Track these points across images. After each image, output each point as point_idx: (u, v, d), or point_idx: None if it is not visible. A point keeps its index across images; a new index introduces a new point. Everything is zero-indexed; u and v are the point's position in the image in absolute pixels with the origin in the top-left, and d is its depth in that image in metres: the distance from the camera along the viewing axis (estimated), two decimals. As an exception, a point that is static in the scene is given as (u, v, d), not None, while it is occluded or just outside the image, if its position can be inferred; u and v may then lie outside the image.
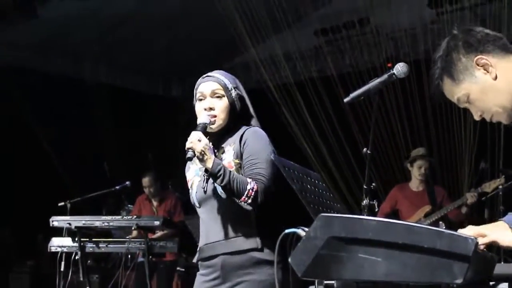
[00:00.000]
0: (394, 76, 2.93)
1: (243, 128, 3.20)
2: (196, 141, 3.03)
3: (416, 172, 6.76)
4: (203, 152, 3.02)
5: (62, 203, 6.70)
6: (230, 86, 3.22)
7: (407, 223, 1.88)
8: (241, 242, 3.08)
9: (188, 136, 3.07)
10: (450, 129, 7.64)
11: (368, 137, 3.14)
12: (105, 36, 8.35)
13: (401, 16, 8.03)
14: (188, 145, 3.04)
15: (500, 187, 6.15)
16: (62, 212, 6.50)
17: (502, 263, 5.56)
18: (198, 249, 3.28)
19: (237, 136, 3.17)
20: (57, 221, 5.77)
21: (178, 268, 7.08)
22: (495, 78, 2.26)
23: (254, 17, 8.15)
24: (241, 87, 3.31)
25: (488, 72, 2.26)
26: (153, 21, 8.24)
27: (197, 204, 3.23)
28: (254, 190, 2.99)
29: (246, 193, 2.99)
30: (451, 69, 2.30)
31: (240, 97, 3.25)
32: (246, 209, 3.08)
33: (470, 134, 7.43)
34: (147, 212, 7.67)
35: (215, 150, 3.18)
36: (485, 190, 6.32)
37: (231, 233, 3.11)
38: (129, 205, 8.01)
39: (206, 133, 3.11)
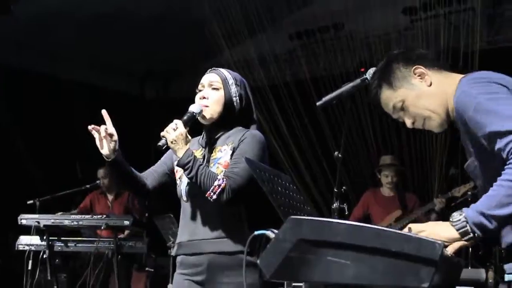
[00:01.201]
0: (366, 80, 2.94)
1: (244, 130, 3.16)
2: (171, 129, 3.01)
3: (384, 180, 6.82)
4: (175, 141, 3.00)
5: (31, 201, 6.64)
6: (230, 81, 3.20)
7: (375, 227, 1.90)
8: (230, 244, 3.04)
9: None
10: (422, 135, 7.70)
11: (340, 141, 3.16)
12: (83, 34, 8.29)
13: (376, 21, 8.06)
14: (162, 132, 3.03)
15: (469, 192, 6.20)
16: (31, 210, 6.44)
17: (470, 268, 5.63)
18: (177, 243, 3.22)
19: (236, 136, 3.13)
20: (25, 219, 5.73)
21: (147, 269, 7.04)
22: (430, 85, 2.44)
23: (229, 20, 8.15)
24: (247, 88, 3.28)
25: (423, 79, 2.45)
26: (132, 22, 8.20)
27: (184, 198, 3.18)
28: (220, 186, 2.95)
29: (212, 188, 2.95)
30: (390, 77, 2.48)
31: (241, 97, 3.21)
32: (238, 211, 3.07)
33: (441, 140, 7.50)
34: (102, 207, 7.60)
35: (207, 144, 3.18)
36: (454, 194, 6.38)
37: (220, 233, 3.06)
38: (81, 204, 7.92)
39: (200, 124, 3.12)
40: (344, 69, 8.06)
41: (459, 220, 2.13)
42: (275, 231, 2.08)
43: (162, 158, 3.35)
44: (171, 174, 3.32)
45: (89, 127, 3.12)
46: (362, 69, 3.00)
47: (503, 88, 2.25)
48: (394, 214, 6.65)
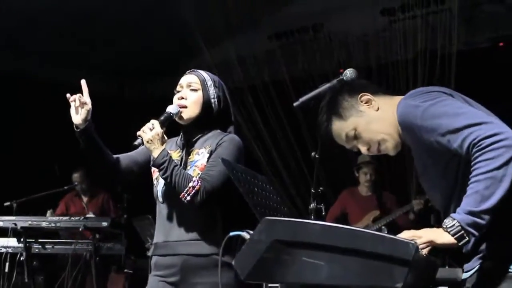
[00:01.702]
0: (343, 81, 2.96)
1: (223, 134, 3.17)
2: (148, 129, 3.02)
3: (363, 178, 6.84)
4: (151, 141, 3.00)
5: (8, 203, 6.59)
6: (209, 82, 3.21)
7: (349, 227, 1.90)
8: (204, 246, 3.04)
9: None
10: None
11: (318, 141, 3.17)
12: (60, 33, 8.24)
13: (354, 22, 8.09)
14: (139, 132, 3.03)
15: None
16: (8, 212, 6.39)
17: (447, 267, 5.66)
18: (153, 243, 3.22)
19: (214, 140, 3.13)
20: (2, 221, 5.69)
21: (126, 271, 7.01)
22: (377, 109, 2.49)
23: (209, 21, 8.14)
24: (225, 90, 3.28)
25: (371, 105, 2.49)
26: (110, 22, 8.16)
27: (160, 199, 3.17)
28: (195, 188, 2.95)
29: (186, 189, 2.96)
30: (338, 109, 2.51)
31: (219, 98, 3.21)
32: (213, 213, 3.06)
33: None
34: (77, 209, 7.59)
35: (185, 145, 3.19)
36: None
37: (195, 235, 3.06)
38: (57, 207, 7.88)
39: (178, 125, 3.13)
40: (322, 70, 8.07)
41: (453, 225, 2.12)
42: (250, 232, 2.08)
43: (139, 149, 3.29)
44: (140, 166, 3.32)
45: (67, 96, 3.15)
46: (341, 70, 3.01)
47: (442, 93, 2.30)
48: (371, 214, 6.68)
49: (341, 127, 2.51)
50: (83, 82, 3.21)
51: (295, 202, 8.16)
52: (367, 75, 7.91)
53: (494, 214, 2.14)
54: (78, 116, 3.12)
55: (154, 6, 7.99)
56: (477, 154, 2.11)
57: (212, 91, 3.20)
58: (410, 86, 7.56)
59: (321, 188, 3.12)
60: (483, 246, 2.31)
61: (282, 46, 8.83)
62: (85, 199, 7.74)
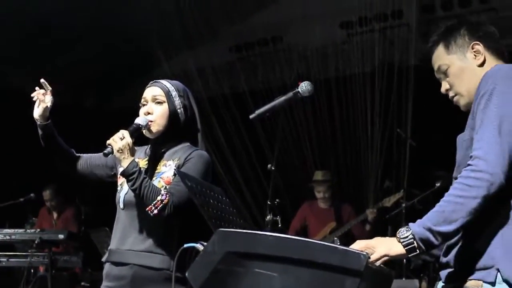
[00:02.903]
0: (299, 94, 2.98)
1: (192, 148, 3.14)
2: (118, 138, 3.00)
3: (317, 195, 6.90)
4: (121, 151, 2.98)
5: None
6: (174, 93, 3.18)
7: (302, 238, 1.91)
8: (156, 259, 3.02)
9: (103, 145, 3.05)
10: (358, 148, 7.81)
11: (278, 154, 3.18)
12: (18, 43, 8.14)
13: (313, 35, 8.16)
14: (109, 140, 3.01)
15: (402, 202, 6.31)
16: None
17: (404, 279, 5.72)
18: (108, 249, 3.20)
19: (183, 154, 3.11)
20: (-44, 233, 5.59)
21: (83, 284, 6.93)
22: (480, 65, 2.46)
23: (168, 32, 8.12)
24: (191, 98, 3.26)
25: (477, 57, 2.46)
26: (69, 32, 8.09)
27: (121, 205, 3.15)
28: (163, 202, 2.93)
29: (154, 202, 2.94)
30: (450, 40, 2.49)
31: (186, 107, 3.19)
32: (171, 228, 3.04)
33: (376, 154, 7.61)
34: (47, 224, 7.51)
35: (152, 157, 3.18)
36: (385, 205, 6.48)
37: (149, 246, 3.04)
38: (33, 218, 7.80)
39: (143, 138, 3.14)
40: (281, 82, 8.11)
41: (407, 237, 2.15)
42: (204, 243, 2.08)
43: (107, 158, 3.25)
44: (97, 173, 3.37)
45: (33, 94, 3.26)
46: (299, 83, 3.03)
47: None
48: (329, 225, 6.72)
49: (440, 56, 2.52)
50: (42, 81, 3.26)
51: (254, 214, 8.15)
52: (326, 87, 7.98)
53: (448, 240, 2.18)
54: (36, 111, 3.23)
55: (113, 17, 7.95)
56: (464, 172, 2.15)
57: (177, 102, 3.18)
58: (368, 98, 7.64)
59: (277, 200, 3.12)
60: (450, 256, 2.34)
61: (241, 58, 8.86)
62: (54, 215, 7.67)
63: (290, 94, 2.97)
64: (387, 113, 7.45)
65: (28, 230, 5.94)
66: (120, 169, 3.05)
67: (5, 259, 5.90)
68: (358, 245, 2.17)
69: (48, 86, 3.26)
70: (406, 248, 2.14)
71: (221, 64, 8.92)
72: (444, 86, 2.54)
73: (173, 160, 3.12)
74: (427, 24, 7.86)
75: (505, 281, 2.17)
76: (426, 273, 5.59)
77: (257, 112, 2.99)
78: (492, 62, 2.47)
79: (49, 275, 5.69)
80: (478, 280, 2.21)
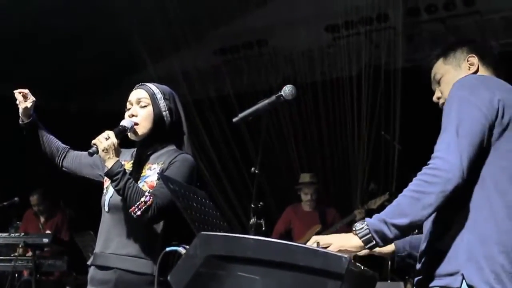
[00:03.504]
0: (282, 97, 2.97)
1: (177, 152, 3.13)
2: (103, 138, 2.99)
3: (303, 197, 6.91)
4: (106, 150, 2.97)
5: None
6: (159, 95, 3.17)
7: (283, 241, 1.90)
8: (140, 263, 3.01)
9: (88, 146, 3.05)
10: (345, 151, 7.83)
11: (261, 156, 3.18)
12: (2, 49, 8.10)
13: (299, 38, 8.17)
14: (94, 140, 3.01)
15: (387, 205, 6.31)
16: None
17: (389, 281, 5.73)
18: (93, 252, 3.19)
19: (168, 158, 3.10)
20: None
21: (67, 287, 6.91)
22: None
23: (153, 35, 8.11)
24: (177, 102, 3.24)
25: (471, 68, 2.55)
26: (54, 36, 8.06)
27: (106, 208, 3.14)
28: (147, 203, 2.92)
29: (137, 204, 2.93)
30: (449, 53, 2.60)
31: (171, 110, 3.18)
32: (155, 232, 3.03)
33: (363, 157, 7.63)
34: (33, 228, 7.46)
35: (138, 159, 3.17)
36: (370, 207, 6.51)
37: (133, 251, 3.03)
38: (17, 222, 7.76)
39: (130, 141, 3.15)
40: (267, 85, 8.12)
41: (362, 228, 2.19)
42: (187, 247, 2.07)
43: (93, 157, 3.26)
44: (82, 170, 3.41)
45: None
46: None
47: (488, 97, 2.29)
48: (313, 229, 6.73)
49: (438, 67, 2.62)
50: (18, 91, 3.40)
51: (239, 217, 8.16)
52: (312, 90, 8.00)
53: (404, 234, 2.20)
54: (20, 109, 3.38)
55: (98, 20, 7.93)
56: (422, 170, 2.18)
57: (162, 104, 3.17)
58: (354, 102, 7.65)
59: (261, 203, 3.12)
60: (421, 263, 2.37)
61: (227, 61, 8.86)
62: (42, 219, 7.63)
63: (273, 97, 2.96)
64: (374, 116, 7.47)
65: (12, 234, 5.91)
66: (105, 169, 3.05)
67: (-12, 264, 5.86)
68: (311, 242, 2.22)
69: (26, 91, 3.39)
70: (362, 239, 2.18)
71: (207, 67, 8.92)
72: (436, 94, 2.62)
73: (157, 164, 3.11)
74: (412, 27, 7.90)
75: (470, 286, 2.19)
76: (411, 276, 5.61)
77: (241, 115, 2.98)
78: (483, 72, 2.54)
79: (34, 279, 5.66)
80: (444, 286, 2.23)
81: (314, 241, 2.21)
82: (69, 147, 3.49)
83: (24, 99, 3.33)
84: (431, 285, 2.27)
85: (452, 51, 2.60)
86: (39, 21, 7.71)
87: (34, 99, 3.37)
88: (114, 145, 2.99)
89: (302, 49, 8.36)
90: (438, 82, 2.59)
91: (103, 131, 3.10)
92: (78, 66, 8.83)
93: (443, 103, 2.53)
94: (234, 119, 2.98)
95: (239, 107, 7.69)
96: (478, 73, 2.53)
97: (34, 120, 3.41)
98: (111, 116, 3.21)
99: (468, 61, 2.55)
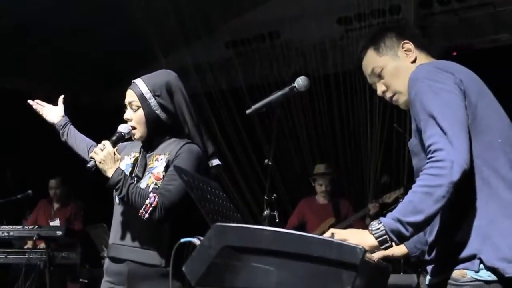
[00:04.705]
0: (295, 89, 2.98)
1: (183, 141, 3.12)
2: (99, 150, 3.01)
3: (318, 189, 6.90)
4: (103, 161, 2.99)
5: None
6: (148, 95, 3.11)
7: (298, 232, 1.90)
8: (148, 255, 3.03)
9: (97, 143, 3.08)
10: (358, 144, 7.81)
11: (275, 149, 3.18)
12: (12, 43, 8.12)
13: (311, 31, 8.15)
14: (91, 154, 3.03)
15: (401, 198, 6.31)
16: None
17: (402, 273, 5.72)
18: (108, 244, 3.24)
19: (174, 148, 3.10)
20: (-47, 230, 5.58)
21: (81, 280, 6.93)
22: (412, 62, 2.52)
23: (165, 28, 8.11)
24: (173, 92, 3.17)
25: (408, 55, 2.53)
26: (65, 29, 8.07)
27: (117, 201, 3.17)
28: (152, 205, 2.95)
29: (143, 207, 2.96)
30: (380, 42, 2.56)
31: (163, 106, 3.13)
32: (162, 224, 3.04)
33: (376, 149, 7.61)
34: (45, 215, 7.49)
35: (146, 152, 3.18)
36: (385, 201, 6.49)
37: (142, 242, 3.06)
38: (31, 215, 7.81)
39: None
40: (279, 78, 8.11)
41: (378, 228, 2.16)
42: (201, 238, 2.07)
43: None
44: None
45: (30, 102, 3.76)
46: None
47: (450, 76, 2.29)
48: (327, 222, 6.73)
49: (372, 60, 2.57)
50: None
51: (252, 209, 8.16)
52: (324, 83, 7.99)
53: (419, 230, 2.20)
54: (50, 116, 3.74)
55: (109, 13, 7.93)
56: (427, 164, 2.16)
57: (153, 103, 3.12)
58: (366, 94, 7.63)
59: (274, 195, 3.12)
60: (433, 254, 2.36)
61: (239, 54, 8.85)
62: (55, 206, 7.67)
63: (287, 89, 2.97)
64: (386, 108, 7.45)
65: (26, 227, 5.94)
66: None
67: (3, 256, 5.89)
68: (328, 234, 2.20)
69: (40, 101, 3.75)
70: (378, 240, 2.16)
71: (219, 60, 8.91)
72: (380, 88, 2.58)
73: (164, 154, 3.12)
74: (424, 19, 7.86)
75: (489, 268, 2.20)
76: (424, 268, 5.58)
77: (254, 107, 2.99)
78: (423, 58, 2.53)
79: (47, 272, 5.68)
80: (462, 269, 2.23)
81: (330, 234, 2.21)
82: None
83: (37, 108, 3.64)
84: (448, 271, 2.26)
85: (381, 40, 2.56)
86: (50, 14, 7.73)
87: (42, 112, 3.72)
88: (110, 154, 3.01)
89: (314, 42, 8.33)
90: (379, 76, 2.55)
91: (116, 124, 3.12)
92: (89, 59, 8.85)
93: (391, 97, 2.56)
94: (248, 111, 2.99)
95: (251, 99, 7.70)
96: (418, 58, 2.52)
97: (60, 124, 3.69)
98: (122, 109, 3.20)
99: (403, 47, 2.53)
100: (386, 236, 2.15)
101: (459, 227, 2.27)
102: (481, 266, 2.20)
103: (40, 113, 3.72)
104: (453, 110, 2.22)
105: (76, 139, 3.62)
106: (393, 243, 2.16)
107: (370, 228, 2.18)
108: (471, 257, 2.22)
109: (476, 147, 2.26)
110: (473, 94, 2.30)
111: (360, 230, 2.24)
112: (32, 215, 7.63)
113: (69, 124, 3.69)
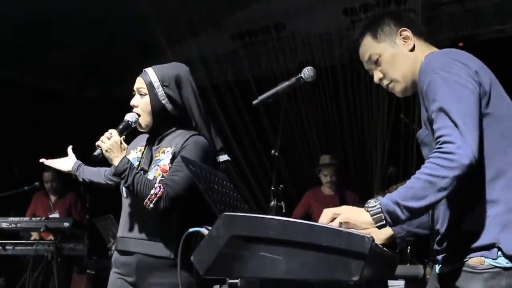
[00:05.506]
0: (302, 79, 2.98)
1: (190, 133, 3.13)
2: (106, 138, 3.01)
3: (324, 179, 6.90)
4: (110, 150, 2.99)
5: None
6: (156, 84, 3.13)
7: (306, 222, 1.91)
8: (156, 247, 3.05)
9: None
10: (365, 135, 7.81)
11: (281, 140, 3.18)
12: (18, 36, 8.13)
13: (316, 22, 8.13)
14: (98, 142, 3.03)
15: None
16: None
17: (408, 264, 5.73)
18: (116, 236, 3.26)
19: (181, 140, 3.10)
20: (-39, 222, 5.61)
21: (88, 271, 6.96)
22: (411, 50, 2.51)
23: (170, 20, 8.10)
24: (182, 83, 3.16)
25: (406, 43, 2.51)
26: (71, 22, 8.07)
27: (124, 194, 3.19)
28: (157, 195, 2.96)
29: (148, 197, 2.97)
30: (377, 29, 2.54)
31: (170, 97, 3.13)
32: (170, 215, 3.06)
33: (383, 141, 7.61)
34: (43, 207, 7.50)
35: (152, 144, 3.19)
36: (392, 192, 6.48)
37: (150, 235, 3.08)
38: (27, 209, 7.81)
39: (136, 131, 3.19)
40: (285, 69, 8.10)
41: (374, 206, 2.17)
42: (209, 228, 2.08)
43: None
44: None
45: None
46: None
47: (464, 68, 2.27)
48: (334, 212, 6.71)
49: (369, 47, 2.55)
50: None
51: (258, 200, 8.17)
52: (332, 74, 7.98)
53: (415, 217, 2.20)
54: (64, 166, 3.74)
55: (115, 5, 7.93)
56: (435, 154, 2.15)
57: (160, 93, 3.13)
58: (373, 84, 7.60)
59: (281, 185, 3.13)
60: (445, 243, 2.36)
61: (245, 46, 8.84)
62: (53, 198, 7.67)
63: (293, 79, 2.98)
64: (393, 99, 7.44)
65: (33, 218, 5.96)
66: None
67: (11, 247, 5.92)
68: (325, 213, 2.21)
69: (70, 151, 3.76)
70: (373, 217, 2.17)
71: (225, 52, 8.91)
72: (377, 75, 2.56)
73: (171, 146, 3.13)
74: (431, 9, 7.84)
75: (508, 256, 2.20)
76: (430, 259, 5.60)
77: (260, 98, 3.01)
78: (421, 46, 2.52)
79: (55, 263, 5.72)
80: (480, 257, 2.23)
81: (326, 215, 2.20)
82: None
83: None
84: (463, 260, 2.26)
85: (378, 27, 2.54)
86: (54, 6, 7.72)
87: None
88: (117, 142, 3.02)
89: (320, 33, 8.32)
90: (376, 63, 2.54)
91: (122, 116, 3.12)
92: (95, 51, 8.86)
93: (387, 84, 2.54)
94: (254, 102, 3.00)
95: (257, 91, 7.74)
96: (416, 46, 2.51)
97: (74, 170, 3.68)
98: (128, 102, 3.20)
99: (401, 35, 2.51)
100: (381, 214, 2.16)
101: (474, 217, 2.26)
102: (499, 253, 2.20)
103: (55, 167, 3.73)
104: (466, 104, 2.20)
105: (91, 175, 3.62)
106: (387, 223, 2.16)
107: (366, 206, 2.20)
108: (490, 246, 2.22)
109: (490, 136, 2.26)
110: (487, 84, 2.29)
111: (355, 207, 2.26)
112: (29, 209, 7.62)
113: (82, 165, 3.68)
